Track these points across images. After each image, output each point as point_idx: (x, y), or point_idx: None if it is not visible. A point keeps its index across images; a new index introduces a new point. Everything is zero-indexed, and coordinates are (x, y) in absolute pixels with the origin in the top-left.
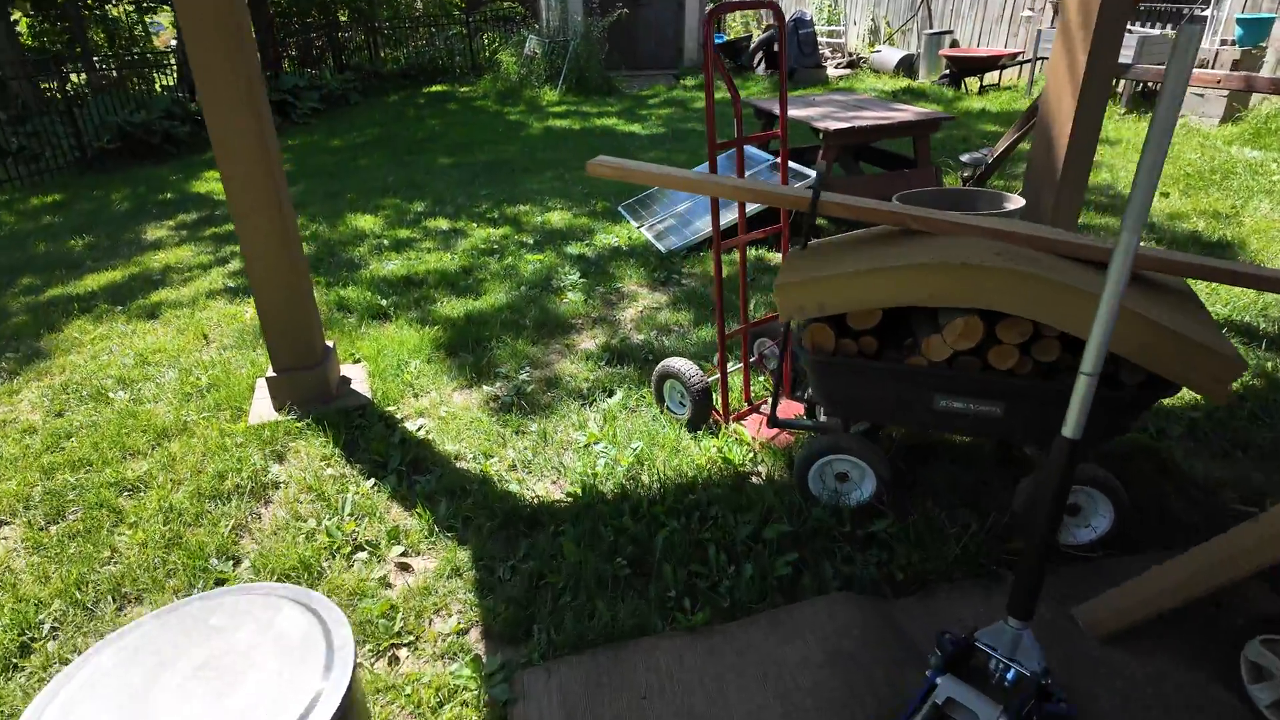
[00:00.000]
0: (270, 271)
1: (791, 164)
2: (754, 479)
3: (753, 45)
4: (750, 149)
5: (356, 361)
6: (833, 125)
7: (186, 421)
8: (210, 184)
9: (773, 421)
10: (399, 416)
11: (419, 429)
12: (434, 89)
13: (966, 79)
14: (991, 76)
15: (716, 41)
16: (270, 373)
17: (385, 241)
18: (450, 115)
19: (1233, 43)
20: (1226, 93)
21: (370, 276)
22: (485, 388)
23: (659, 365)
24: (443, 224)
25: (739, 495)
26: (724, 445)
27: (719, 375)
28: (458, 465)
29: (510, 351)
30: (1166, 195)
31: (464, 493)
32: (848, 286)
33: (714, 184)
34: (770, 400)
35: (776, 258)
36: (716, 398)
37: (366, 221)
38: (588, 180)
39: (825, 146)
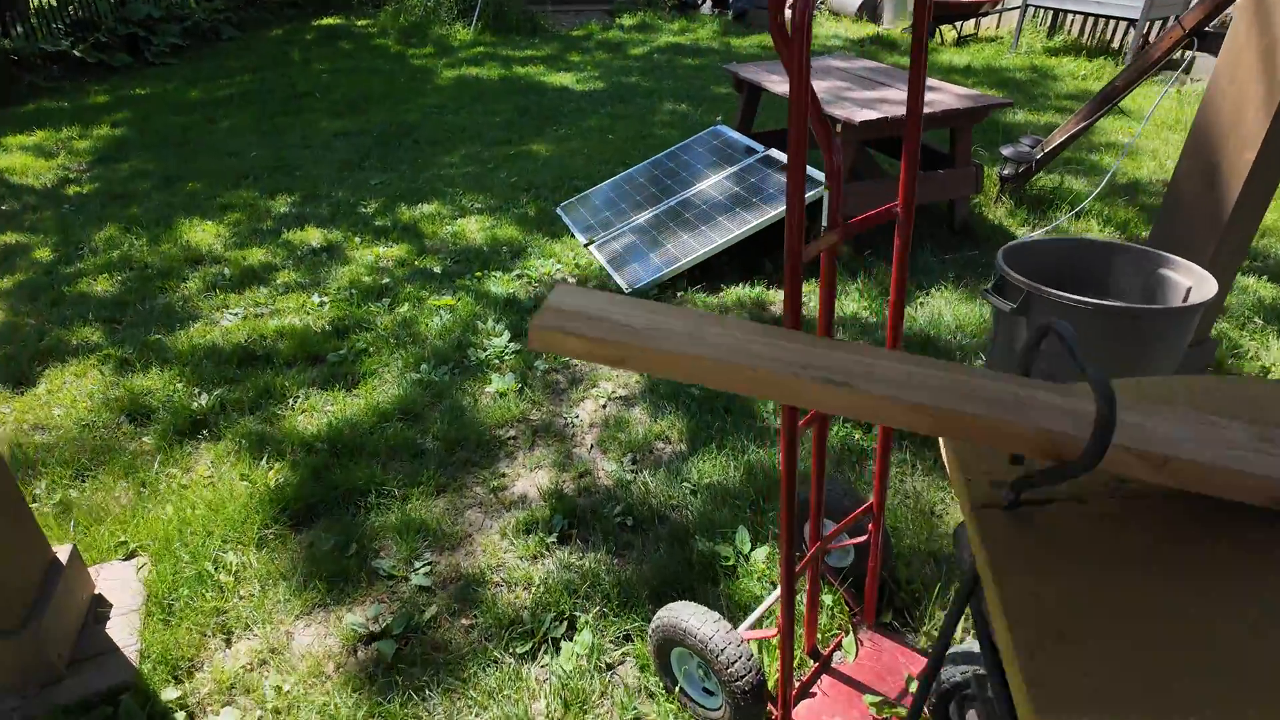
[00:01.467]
0: None
1: (784, 158)
2: None
3: None
4: (725, 130)
5: (131, 556)
6: (858, 115)
7: None
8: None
9: None
10: (189, 711)
11: None
12: (326, 21)
13: (941, 27)
14: (969, 25)
15: None
16: None
17: (227, 271)
18: (342, 58)
19: None
20: None
21: (191, 345)
22: (352, 614)
23: (661, 617)
24: (313, 237)
25: None
26: None
27: (776, 631)
28: None
29: (399, 517)
30: None
31: None
32: None
33: (831, 388)
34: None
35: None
36: (768, 660)
37: (206, 232)
38: (511, 163)
39: (842, 141)
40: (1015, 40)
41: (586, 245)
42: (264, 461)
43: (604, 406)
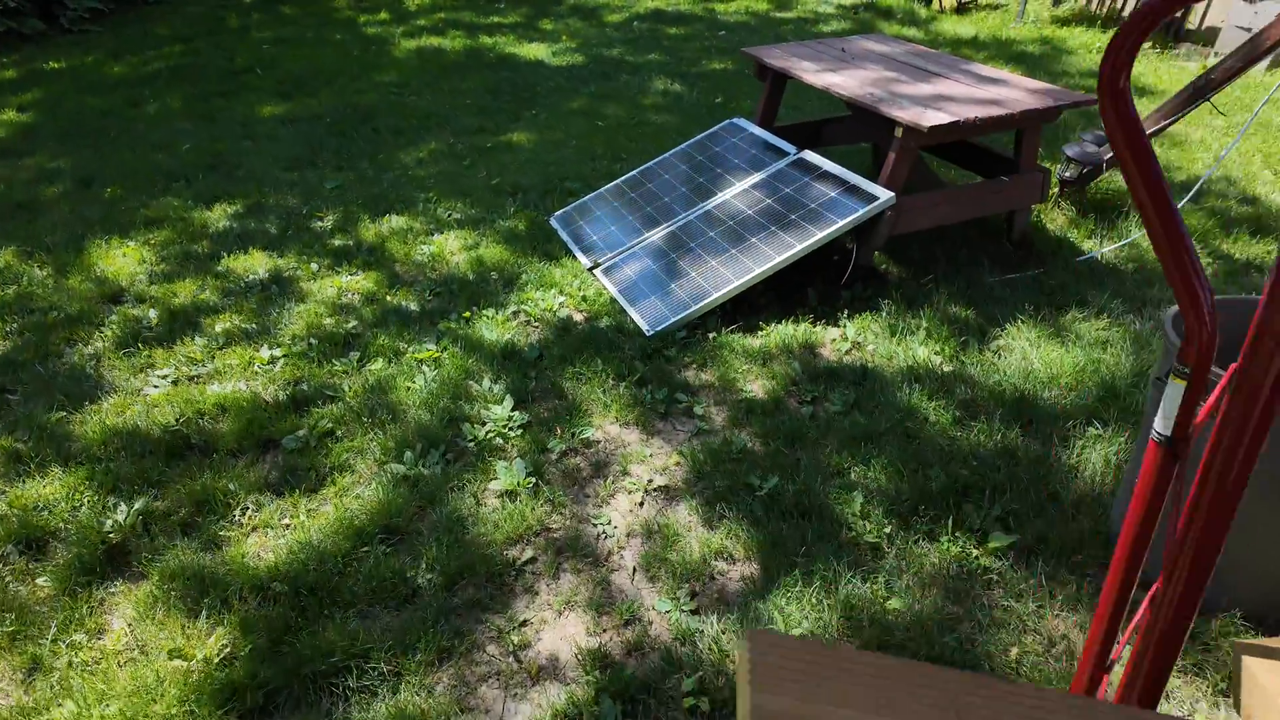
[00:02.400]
0: None
1: (822, 163)
2: None
3: None
4: (745, 125)
5: None
6: (925, 118)
7: None
8: None
9: None
10: None
11: None
12: None
13: None
14: None
15: None
16: None
17: (153, 315)
18: (287, 25)
19: None
20: None
21: (104, 429)
22: None
23: None
24: (258, 263)
25: None
26: None
27: None
28: None
29: (391, 710)
30: None
31: None
32: None
33: None
34: None
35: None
36: None
37: (127, 258)
38: (489, 157)
39: (900, 149)
40: (1021, 8)
41: (591, 269)
42: (202, 617)
43: (641, 504)
